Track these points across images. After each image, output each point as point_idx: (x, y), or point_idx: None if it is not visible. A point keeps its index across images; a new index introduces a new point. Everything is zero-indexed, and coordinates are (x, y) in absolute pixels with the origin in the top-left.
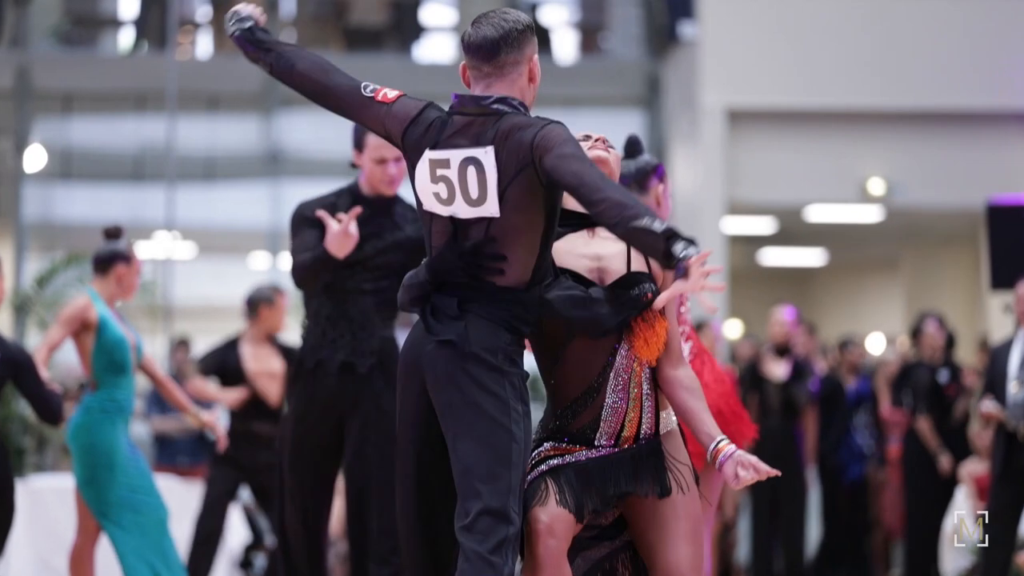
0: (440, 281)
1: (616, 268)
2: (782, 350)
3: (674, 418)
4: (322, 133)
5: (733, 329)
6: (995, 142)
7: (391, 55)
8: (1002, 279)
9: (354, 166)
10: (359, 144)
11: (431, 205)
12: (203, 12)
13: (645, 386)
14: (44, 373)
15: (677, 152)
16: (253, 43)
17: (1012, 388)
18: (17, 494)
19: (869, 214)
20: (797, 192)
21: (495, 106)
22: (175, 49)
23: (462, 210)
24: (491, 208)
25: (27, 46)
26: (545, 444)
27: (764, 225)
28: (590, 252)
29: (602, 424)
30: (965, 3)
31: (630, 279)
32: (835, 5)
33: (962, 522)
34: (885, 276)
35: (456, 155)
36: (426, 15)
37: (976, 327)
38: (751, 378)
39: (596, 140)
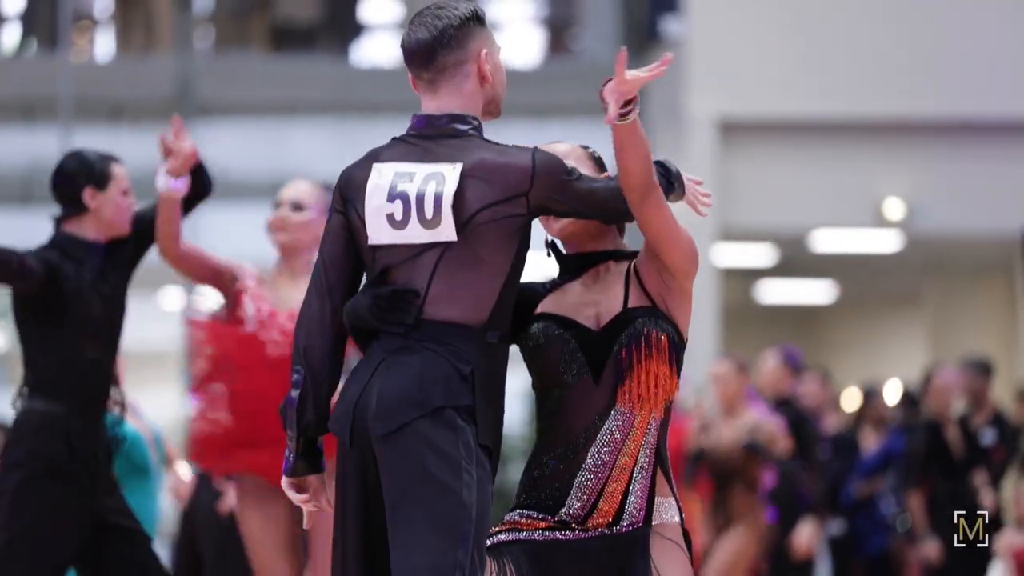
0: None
1: (613, 308)
2: (780, 402)
3: (674, 512)
4: (246, 147)
5: None
6: None
7: (324, 57)
8: None
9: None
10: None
11: (378, 235)
12: (103, 6)
13: (641, 458)
14: None
15: None
16: None
17: None
18: None
19: (886, 242)
20: (801, 216)
21: (453, 126)
22: (69, 49)
23: (415, 234)
24: (447, 231)
25: None
26: (513, 513)
27: (763, 255)
28: (590, 299)
29: (575, 489)
30: None
31: (625, 316)
32: None
33: None
34: (905, 314)
35: (422, 168)
36: (365, 11)
37: (1012, 373)
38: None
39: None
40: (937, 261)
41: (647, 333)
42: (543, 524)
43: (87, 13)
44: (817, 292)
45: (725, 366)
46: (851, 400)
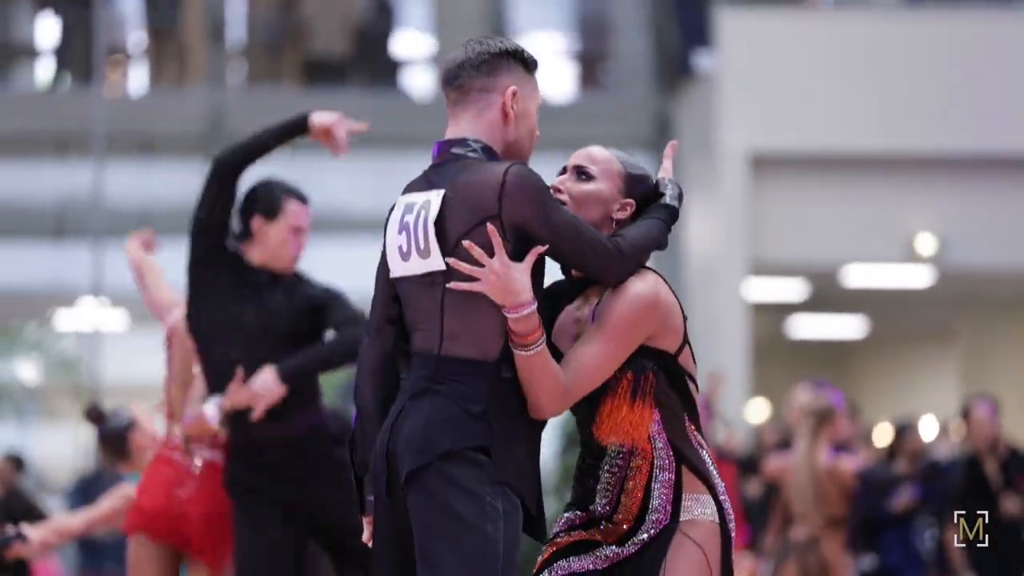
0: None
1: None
2: None
3: (709, 509)
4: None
5: (757, 412)
6: None
7: (356, 90)
8: None
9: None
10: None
11: (395, 267)
12: (136, 40)
13: (657, 459)
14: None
15: (691, 203)
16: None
17: None
18: None
19: (917, 277)
20: (833, 251)
21: (453, 150)
22: (102, 84)
23: (416, 266)
24: (436, 261)
25: None
26: (560, 519)
27: (794, 290)
28: (575, 318)
29: (600, 485)
30: None
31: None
32: (880, 33)
33: None
34: (937, 349)
35: (420, 198)
36: (398, 45)
37: None
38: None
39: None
40: (969, 296)
41: (647, 375)
42: (581, 535)
43: (120, 47)
44: (848, 327)
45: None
46: (883, 435)
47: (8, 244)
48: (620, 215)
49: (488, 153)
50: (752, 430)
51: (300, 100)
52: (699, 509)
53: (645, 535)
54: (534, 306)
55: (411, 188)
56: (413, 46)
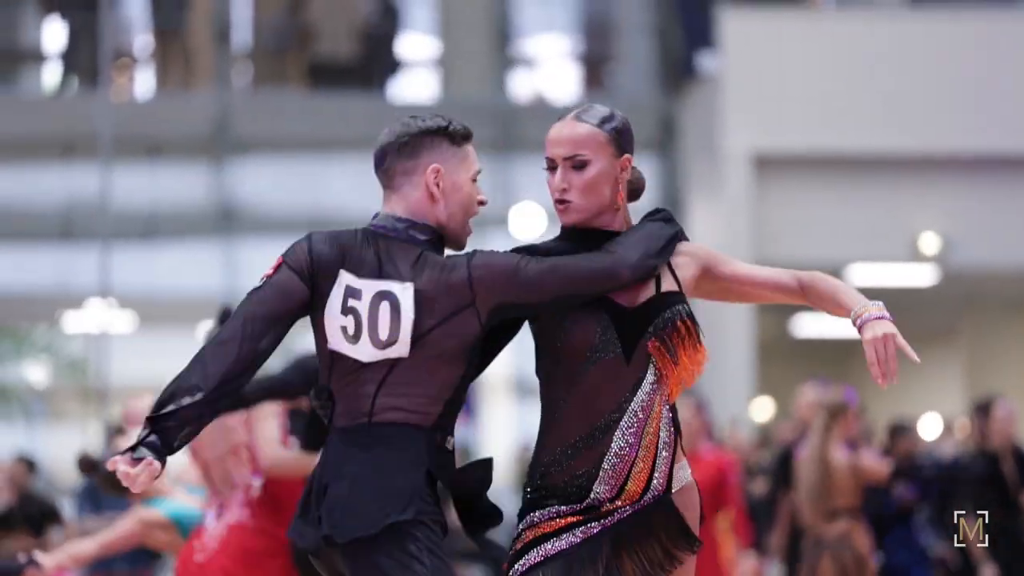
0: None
1: (644, 291)
2: None
3: (688, 471)
4: (283, 183)
5: (763, 409)
6: None
7: (361, 94)
8: None
9: None
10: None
11: (337, 343)
12: (142, 44)
13: (663, 433)
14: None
15: (696, 204)
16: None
17: None
18: None
19: (921, 276)
20: (836, 250)
21: (410, 232)
22: (109, 87)
23: (366, 352)
24: (401, 349)
25: None
26: (533, 514)
27: None
28: None
29: (602, 473)
30: None
31: (660, 300)
32: (881, 35)
33: None
34: (941, 349)
35: (369, 286)
36: (402, 48)
37: None
38: (782, 468)
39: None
40: (973, 296)
41: (684, 320)
42: (569, 520)
43: (126, 51)
44: (851, 327)
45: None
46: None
47: (16, 247)
48: (625, 175)
49: (434, 246)
50: (756, 428)
51: (306, 103)
52: (684, 473)
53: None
54: None
55: (353, 265)
56: (418, 49)
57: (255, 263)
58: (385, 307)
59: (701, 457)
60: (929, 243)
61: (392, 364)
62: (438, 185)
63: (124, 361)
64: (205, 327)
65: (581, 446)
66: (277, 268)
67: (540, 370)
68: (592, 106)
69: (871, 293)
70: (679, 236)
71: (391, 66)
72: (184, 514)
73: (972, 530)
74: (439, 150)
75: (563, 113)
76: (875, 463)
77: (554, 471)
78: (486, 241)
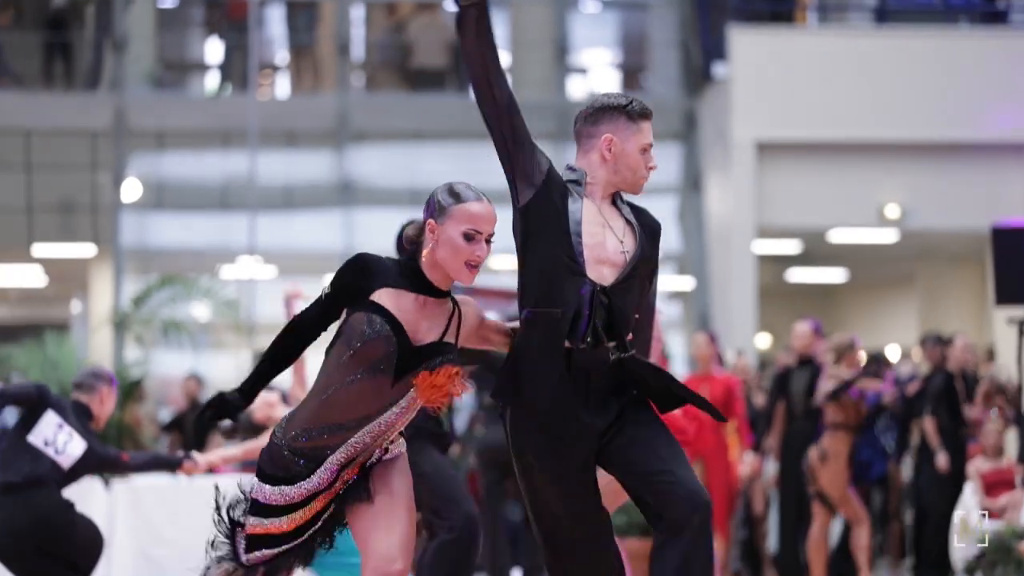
0: None
1: (430, 335)
2: (804, 360)
3: (401, 445)
4: (389, 165)
5: (763, 342)
6: (999, 170)
7: (451, 94)
8: (1006, 295)
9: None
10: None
11: None
12: (281, 56)
13: (396, 434)
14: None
15: (711, 181)
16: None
17: None
18: (118, 493)
19: (886, 236)
20: (821, 217)
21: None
22: (256, 90)
23: None
24: None
25: (124, 89)
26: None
27: (791, 246)
28: (418, 317)
29: (338, 453)
30: (973, 44)
31: (436, 347)
32: (855, 47)
33: (969, 515)
34: (900, 292)
35: None
36: None
37: (983, 339)
38: (779, 386)
39: None
40: (926, 251)
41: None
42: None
43: (269, 62)
44: (833, 276)
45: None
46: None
47: (185, 214)
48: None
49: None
50: (757, 355)
51: (407, 102)
52: (399, 447)
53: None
54: None
55: None
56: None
57: (368, 227)
58: None
59: (714, 378)
60: (892, 211)
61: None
62: (610, 150)
63: (267, 302)
64: (328, 277)
65: (332, 430)
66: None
67: (330, 350)
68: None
69: (848, 250)
70: None
71: None
72: None
73: (931, 428)
74: (613, 122)
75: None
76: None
77: (307, 438)
78: None
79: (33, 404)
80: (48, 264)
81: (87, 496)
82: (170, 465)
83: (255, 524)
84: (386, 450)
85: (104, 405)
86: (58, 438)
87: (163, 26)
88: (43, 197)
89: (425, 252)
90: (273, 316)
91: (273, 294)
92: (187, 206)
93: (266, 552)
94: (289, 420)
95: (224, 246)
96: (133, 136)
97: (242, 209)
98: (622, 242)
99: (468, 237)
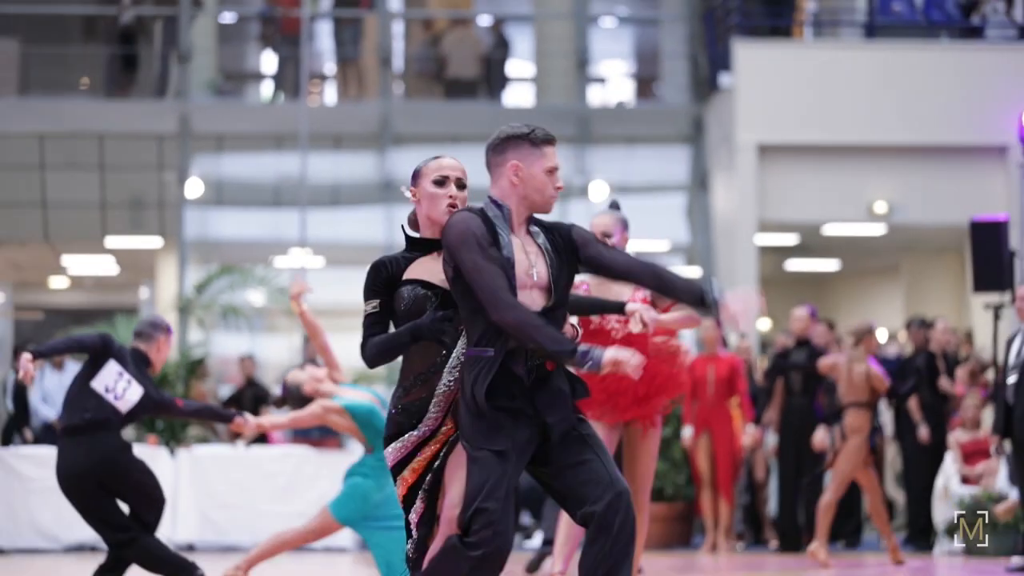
0: None
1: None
2: (802, 341)
3: None
4: None
5: (763, 325)
6: (977, 171)
7: (483, 101)
8: (982, 283)
9: None
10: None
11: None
12: (329, 67)
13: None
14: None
15: (717, 180)
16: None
17: (1011, 377)
18: (182, 461)
19: (875, 230)
20: (816, 212)
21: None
22: (306, 98)
23: None
24: None
25: (187, 97)
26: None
27: (789, 239)
28: (438, 268)
29: (435, 402)
30: (952, 56)
31: None
32: (846, 59)
33: (949, 482)
34: (887, 281)
35: None
36: (511, 68)
37: (962, 323)
38: (778, 366)
39: None
40: (910, 244)
41: None
42: (416, 439)
43: (319, 72)
44: (827, 266)
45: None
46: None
47: (242, 210)
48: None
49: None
50: (759, 337)
51: (442, 108)
52: None
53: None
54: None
55: None
56: (521, 69)
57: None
58: None
59: (719, 358)
60: (880, 207)
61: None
62: (517, 175)
63: (316, 290)
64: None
65: (419, 381)
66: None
67: (396, 326)
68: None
69: (840, 242)
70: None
71: (502, 81)
72: (355, 405)
73: (915, 403)
74: (515, 149)
75: (624, 114)
76: (881, 376)
77: (404, 394)
78: (570, 209)
79: (97, 353)
80: (119, 254)
81: (153, 463)
82: (222, 418)
83: (399, 485)
84: None
85: (160, 352)
86: (118, 385)
87: (223, 40)
88: (115, 194)
89: (419, 216)
90: (321, 302)
91: (321, 282)
92: (244, 202)
93: (418, 505)
94: (394, 392)
95: (277, 239)
96: (196, 139)
97: (293, 205)
98: (535, 267)
99: (439, 183)
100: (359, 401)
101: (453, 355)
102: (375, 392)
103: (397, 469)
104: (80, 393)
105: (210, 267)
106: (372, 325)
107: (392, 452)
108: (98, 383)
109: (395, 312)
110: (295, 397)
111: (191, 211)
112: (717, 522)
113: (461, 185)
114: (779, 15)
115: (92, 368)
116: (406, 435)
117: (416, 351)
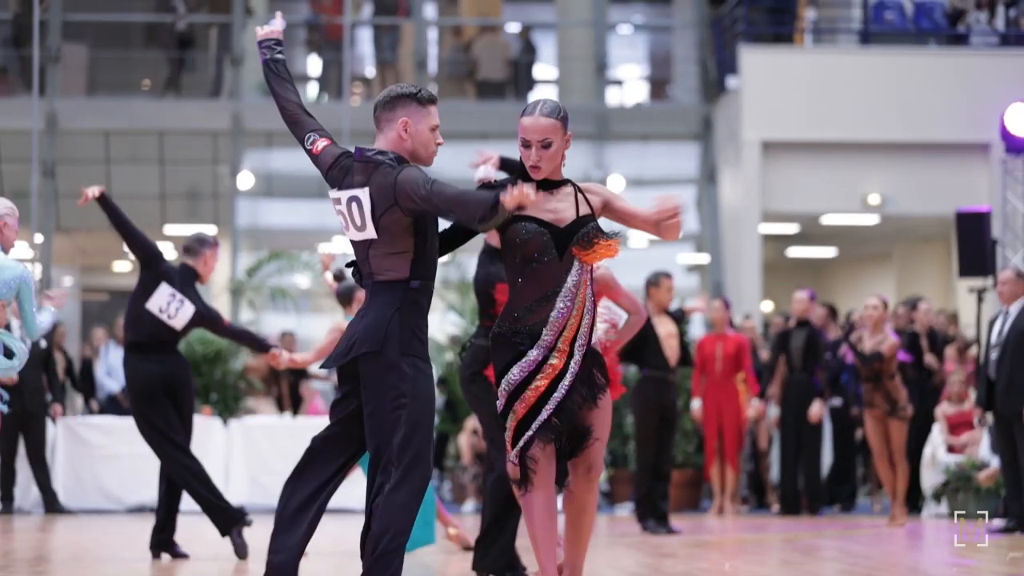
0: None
1: (568, 216)
2: (802, 322)
3: (598, 331)
4: (459, 160)
5: (767, 307)
6: (963, 166)
7: (510, 102)
8: (967, 269)
9: None
10: None
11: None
12: (369, 70)
13: (588, 303)
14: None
15: (724, 174)
16: (278, 72)
17: (993, 354)
18: (234, 431)
19: (869, 220)
20: (815, 205)
21: (376, 156)
22: (349, 98)
23: (352, 235)
24: (371, 233)
25: (240, 97)
26: (512, 371)
27: (790, 228)
28: (549, 207)
29: (548, 324)
30: (940, 61)
31: (579, 222)
32: (843, 63)
33: (936, 451)
34: (880, 266)
35: (344, 195)
36: (536, 71)
37: (949, 305)
38: (780, 344)
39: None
40: (901, 233)
41: (594, 231)
42: (534, 360)
43: (360, 75)
44: (825, 252)
45: (876, 301)
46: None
47: (289, 201)
48: (566, 147)
49: (397, 162)
50: (763, 318)
51: (473, 108)
52: (596, 334)
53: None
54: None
55: (338, 184)
56: (546, 72)
57: None
58: (355, 206)
59: (727, 337)
60: (874, 199)
61: (370, 243)
62: (404, 132)
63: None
64: None
65: (534, 307)
66: (320, 151)
67: (505, 264)
68: (546, 101)
69: (837, 231)
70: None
71: (528, 83)
72: None
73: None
74: (406, 107)
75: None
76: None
77: (519, 322)
78: None
79: (149, 262)
80: (177, 241)
81: (208, 432)
82: (260, 347)
83: (510, 419)
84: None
85: (208, 265)
86: (171, 306)
87: None
88: (173, 186)
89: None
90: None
91: None
92: (291, 194)
93: (527, 436)
94: (503, 314)
95: (321, 227)
96: (247, 136)
97: None
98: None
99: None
100: None
101: (566, 284)
102: None
103: (515, 395)
104: (137, 315)
105: (260, 253)
106: None
107: (517, 372)
108: (152, 304)
109: (508, 244)
110: (343, 290)
111: (243, 202)
112: (724, 487)
113: (545, 145)
114: (781, 23)
115: (145, 290)
116: (526, 356)
117: (530, 281)
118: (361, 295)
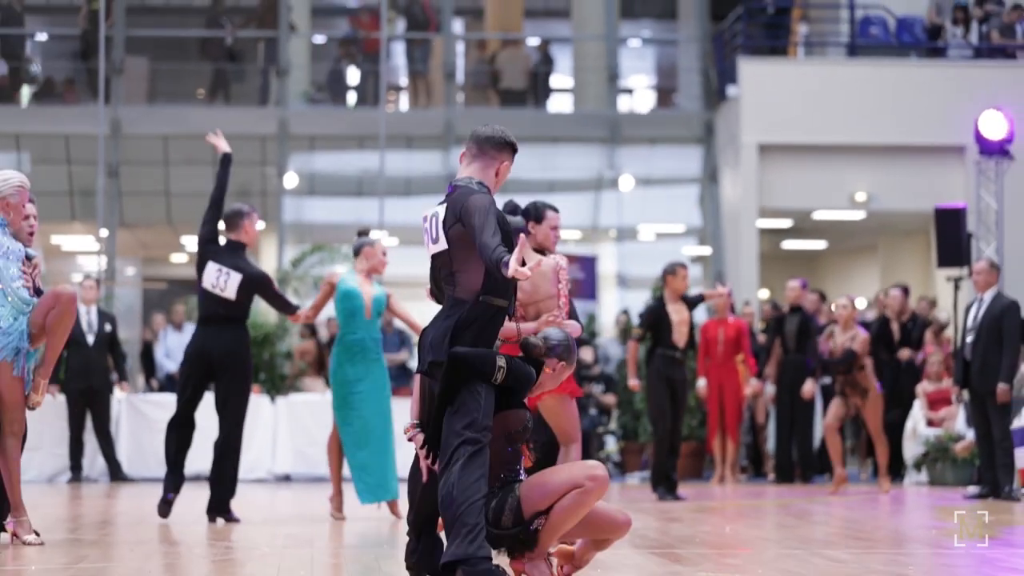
0: None
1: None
2: (795, 308)
3: None
4: None
5: (763, 294)
6: (941, 166)
7: (531, 108)
8: (945, 260)
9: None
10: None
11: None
12: (403, 80)
13: None
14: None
15: (725, 174)
16: None
17: (969, 337)
18: (280, 406)
19: (856, 215)
20: (807, 201)
21: (466, 184)
22: (384, 105)
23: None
24: (442, 244)
25: (286, 104)
26: None
27: (784, 223)
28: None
29: None
30: (920, 71)
31: None
32: (832, 73)
33: (916, 425)
34: (866, 258)
35: (430, 212)
36: (554, 81)
37: (928, 292)
38: (775, 328)
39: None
40: (885, 227)
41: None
42: None
43: (394, 84)
44: (816, 245)
45: (845, 300)
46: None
47: (330, 199)
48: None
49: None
50: (760, 305)
51: (497, 114)
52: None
53: None
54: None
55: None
56: (563, 81)
57: None
58: (434, 220)
59: (727, 322)
60: (860, 196)
61: (449, 256)
62: (497, 173)
63: (393, 265)
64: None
65: None
66: None
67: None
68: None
69: (827, 225)
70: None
71: (547, 92)
72: (343, 281)
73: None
74: (504, 153)
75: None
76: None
77: None
78: (602, 197)
79: (200, 241)
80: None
81: (257, 408)
82: (288, 308)
83: None
84: None
85: (249, 234)
86: (220, 280)
87: (315, 57)
88: None
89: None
90: (395, 276)
91: (395, 259)
92: (332, 192)
93: None
94: None
95: (360, 222)
96: (292, 140)
97: (373, 195)
98: None
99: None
100: (350, 284)
101: None
102: (383, 290)
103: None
104: (201, 292)
105: (304, 246)
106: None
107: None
108: (206, 282)
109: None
110: (357, 246)
111: (288, 200)
112: (725, 458)
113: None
114: (777, 37)
115: (199, 272)
116: None
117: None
118: (369, 250)
